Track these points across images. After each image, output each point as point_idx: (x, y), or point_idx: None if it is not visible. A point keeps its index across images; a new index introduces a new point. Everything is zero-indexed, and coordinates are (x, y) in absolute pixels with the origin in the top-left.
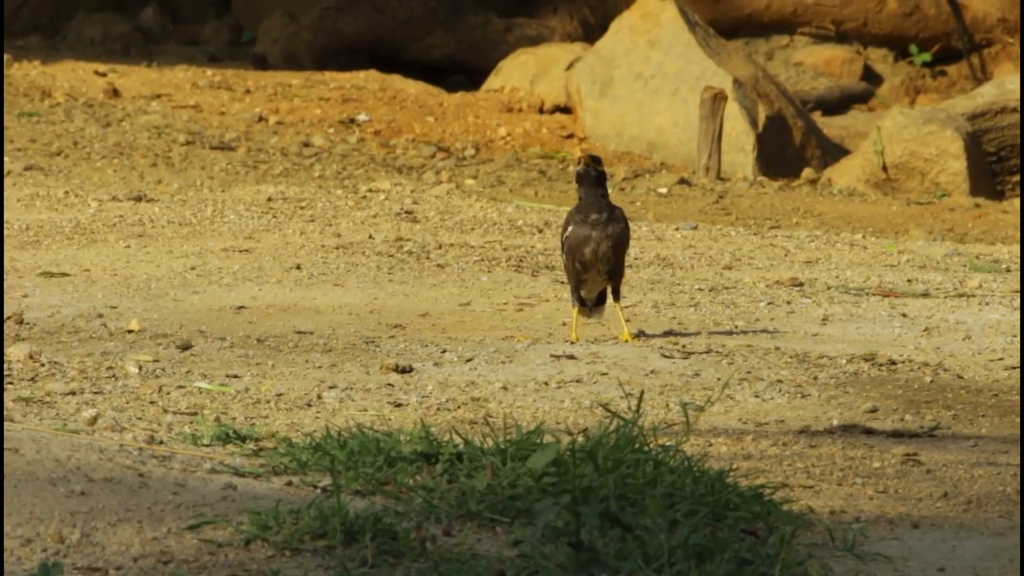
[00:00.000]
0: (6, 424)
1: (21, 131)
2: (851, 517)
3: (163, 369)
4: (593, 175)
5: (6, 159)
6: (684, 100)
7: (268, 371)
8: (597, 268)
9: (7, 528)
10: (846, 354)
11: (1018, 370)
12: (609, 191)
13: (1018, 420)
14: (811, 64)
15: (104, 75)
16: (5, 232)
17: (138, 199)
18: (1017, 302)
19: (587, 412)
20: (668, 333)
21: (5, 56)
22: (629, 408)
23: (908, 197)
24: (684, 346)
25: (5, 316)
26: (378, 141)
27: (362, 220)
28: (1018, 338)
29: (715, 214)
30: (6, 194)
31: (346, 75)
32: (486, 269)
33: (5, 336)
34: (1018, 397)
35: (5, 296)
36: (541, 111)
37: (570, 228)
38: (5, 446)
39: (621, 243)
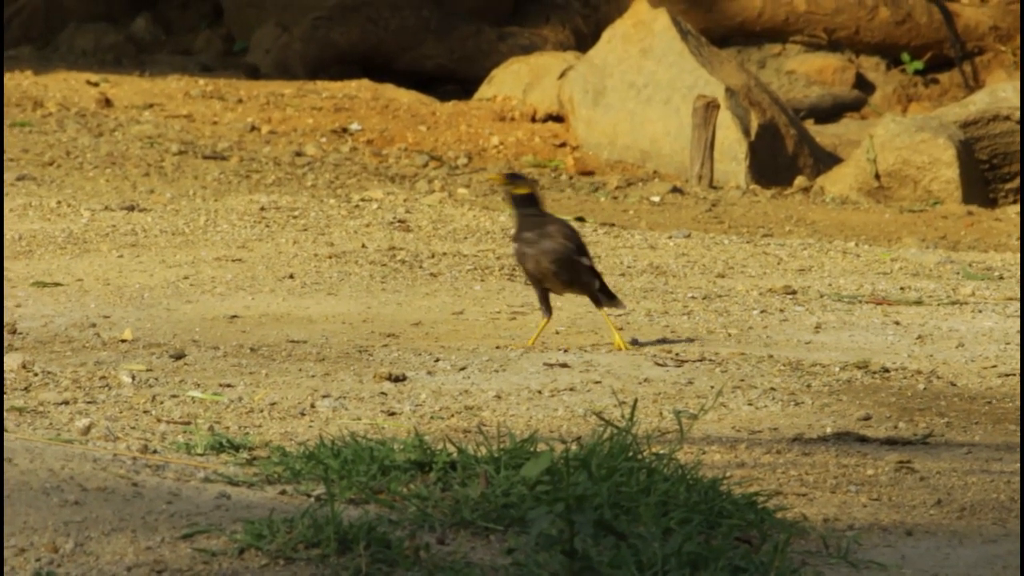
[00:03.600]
0: None
1: (13, 141)
2: (845, 525)
3: (156, 378)
4: (519, 196)
5: None
6: (677, 109)
7: (261, 380)
8: (551, 281)
9: None
10: (839, 362)
11: (1011, 377)
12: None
13: (1012, 427)
14: (803, 72)
15: (96, 85)
16: None
17: (131, 209)
18: (1010, 310)
19: (581, 420)
20: (661, 341)
21: None
22: (623, 416)
23: (901, 205)
24: (677, 354)
25: None
26: (371, 150)
27: (355, 229)
28: (1011, 345)
29: (708, 222)
30: None
31: (338, 84)
32: (479, 278)
33: None
34: (1011, 404)
35: None
36: (534, 120)
37: (513, 247)
38: None
39: (562, 257)
